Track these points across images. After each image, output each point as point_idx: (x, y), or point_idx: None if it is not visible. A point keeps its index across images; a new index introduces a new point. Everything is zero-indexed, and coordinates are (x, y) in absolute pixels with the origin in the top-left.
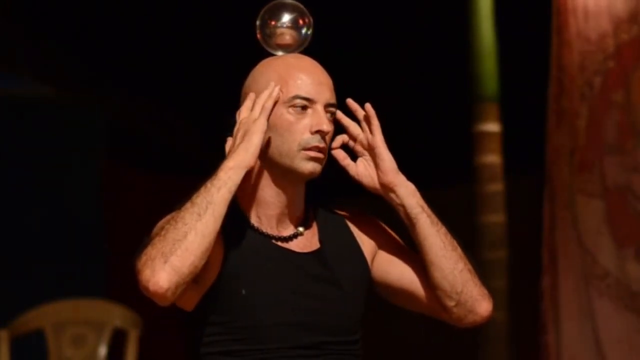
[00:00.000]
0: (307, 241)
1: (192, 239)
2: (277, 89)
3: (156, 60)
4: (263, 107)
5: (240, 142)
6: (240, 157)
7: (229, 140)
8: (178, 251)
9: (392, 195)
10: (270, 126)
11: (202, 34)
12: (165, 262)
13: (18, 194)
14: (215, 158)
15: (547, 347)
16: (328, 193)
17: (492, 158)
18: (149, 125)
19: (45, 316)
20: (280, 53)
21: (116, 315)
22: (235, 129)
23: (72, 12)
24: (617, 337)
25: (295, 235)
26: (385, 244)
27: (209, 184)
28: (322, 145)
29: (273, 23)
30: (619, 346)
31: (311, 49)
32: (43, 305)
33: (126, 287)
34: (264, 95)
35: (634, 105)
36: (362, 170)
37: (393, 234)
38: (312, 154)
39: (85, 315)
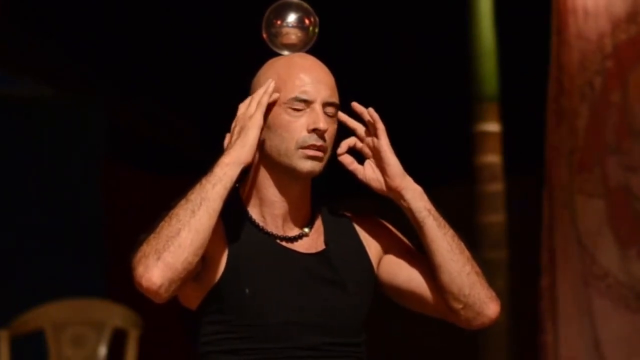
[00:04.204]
0: (312, 242)
1: (186, 235)
2: (272, 85)
3: (156, 60)
4: (259, 103)
5: (237, 138)
6: (237, 153)
7: (227, 136)
8: (171, 247)
9: (400, 198)
10: (269, 126)
11: (204, 34)
12: (159, 258)
13: (18, 194)
14: (215, 158)
15: (545, 347)
16: (336, 194)
17: (492, 158)
18: (149, 125)
19: (45, 316)
20: (286, 52)
21: (116, 315)
22: (232, 125)
23: (71, 13)
24: (617, 337)
25: (300, 236)
26: (392, 246)
27: (204, 181)
28: (319, 143)
29: (279, 22)
30: (619, 346)
31: (312, 48)
32: (43, 305)
33: (126, 287)
34: (260, 92)
35: (631, 106)
36: (369, 174)
37: (401, 235)
38: (310, 152)
39: (85, 315)
